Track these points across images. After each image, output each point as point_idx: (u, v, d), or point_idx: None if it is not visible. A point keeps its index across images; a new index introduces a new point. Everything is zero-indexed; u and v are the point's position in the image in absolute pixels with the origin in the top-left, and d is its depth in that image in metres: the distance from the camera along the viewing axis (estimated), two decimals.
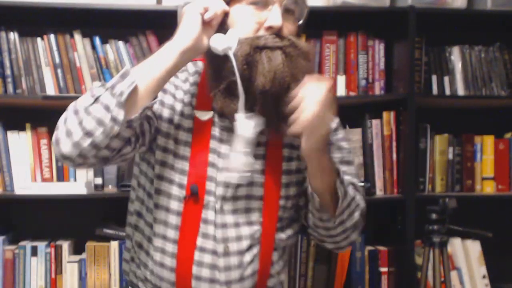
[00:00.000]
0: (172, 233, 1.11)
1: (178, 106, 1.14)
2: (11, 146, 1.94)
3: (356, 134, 2.05)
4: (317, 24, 2.04)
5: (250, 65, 1.04)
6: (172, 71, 1.05)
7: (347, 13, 1.99)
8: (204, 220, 1.11)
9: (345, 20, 2.03)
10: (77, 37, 1.95)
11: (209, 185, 1.11)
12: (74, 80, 1.94)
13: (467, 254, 2.07)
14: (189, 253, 1.10)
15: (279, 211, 1.16)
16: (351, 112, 2.13)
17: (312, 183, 1.11)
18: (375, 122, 2.03)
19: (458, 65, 2.12)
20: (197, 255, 1.10)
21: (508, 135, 2.19)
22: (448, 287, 1.80)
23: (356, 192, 1.15)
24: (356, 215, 1.14)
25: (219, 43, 1.05)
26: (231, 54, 1.04)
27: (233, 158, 1.06)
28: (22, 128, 1.95)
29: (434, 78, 2.12)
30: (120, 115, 0.99)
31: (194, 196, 1.10)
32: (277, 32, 1.06)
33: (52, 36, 1.93)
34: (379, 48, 2.07)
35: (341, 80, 2.05)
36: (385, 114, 2.03)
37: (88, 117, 0.99)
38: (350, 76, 2.05)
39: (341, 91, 2.04)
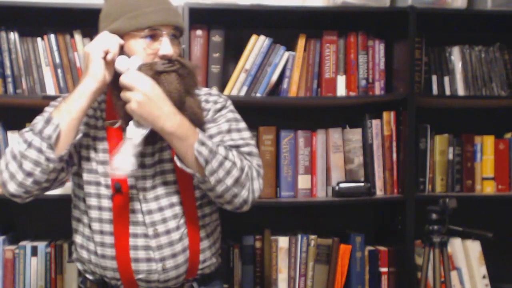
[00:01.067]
0: (107, 227, 1.31)
1: (92, 121, 1.35)
2: None
3: (356, 134, 2.06)
4: (317, 24, 2.05)
5: None
6: (87, 109, 1.26)
7: (347, 13, 1.99)
8: (132, 211, 1.31)
9: (345, 20, 2.03)
10: (77, 37, 1.95)
11: (131, 181, 1.31)
12: (74, 80, 1.94)
13: (467, 254, 2.07)
14: (124, 241, 1.30)
15: (194, 190, 1.34)
16: (351, 112, 2.14)
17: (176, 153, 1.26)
18: (375, 122, 2.04)
19: (458, 65, 2.12)
20: (131, 241, 1.30)
21: (508, 135, 2.19)
22: (448, 287, 1.80)
23: (230, 152, 1.26)
24: (235, 172, 1.25)
25: (124, 66, 1.24)
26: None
27: (119, 157, 1.23)
28: (22, 128, 1.94)
29: (434, 78, 2.12)
30: (52, 154, 1.20)
31: (119, 192, 1.30)
32: (169, 58, 1.26)
33: (52, 36, 1.93)
34: (379, 48, 2.07)
35: (341, 80, 2.05)
36: (385, 114, 2.03)
37: (26, 161, 1.20)
38: (350, 76, 2.05)
39: (341, 91, 2.04)
